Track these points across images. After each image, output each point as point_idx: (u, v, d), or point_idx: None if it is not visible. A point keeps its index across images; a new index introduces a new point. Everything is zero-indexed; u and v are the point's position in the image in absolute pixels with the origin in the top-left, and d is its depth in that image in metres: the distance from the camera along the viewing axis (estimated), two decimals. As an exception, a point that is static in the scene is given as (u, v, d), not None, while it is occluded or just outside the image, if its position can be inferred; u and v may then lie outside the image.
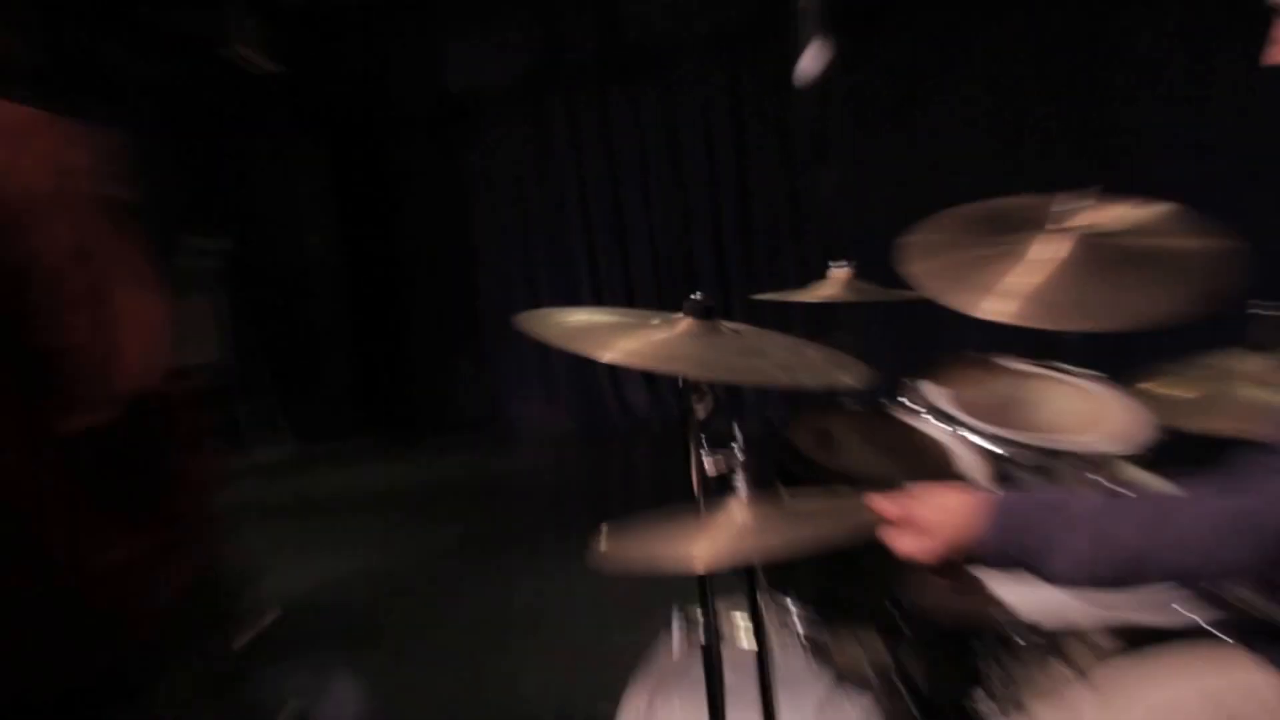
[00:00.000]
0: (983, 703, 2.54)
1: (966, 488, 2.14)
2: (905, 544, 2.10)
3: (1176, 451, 2.82)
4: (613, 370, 11.06)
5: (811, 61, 3.47)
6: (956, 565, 2.09)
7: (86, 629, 2.36)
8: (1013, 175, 8.62)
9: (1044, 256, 2.76)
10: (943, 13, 9.50)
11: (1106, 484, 2.81)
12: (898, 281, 2.93)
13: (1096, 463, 2.82)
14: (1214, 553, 1.84)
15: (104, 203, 2.31)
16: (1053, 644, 2.51)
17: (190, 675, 2.58)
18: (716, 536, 2.33)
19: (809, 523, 2.39)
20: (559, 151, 12.08)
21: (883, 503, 2.18)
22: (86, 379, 2.24)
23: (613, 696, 3.05)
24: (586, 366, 10.98)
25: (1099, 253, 2.77)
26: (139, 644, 2.40)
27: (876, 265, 3.32)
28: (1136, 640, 2.43)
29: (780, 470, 2.84)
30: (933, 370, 3.10)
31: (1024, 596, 2.50)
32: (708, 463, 2.55)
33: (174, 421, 2.37)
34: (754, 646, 2.60)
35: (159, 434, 2.36)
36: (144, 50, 10.95)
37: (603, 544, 2.72)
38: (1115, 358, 3.39)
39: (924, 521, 2.10)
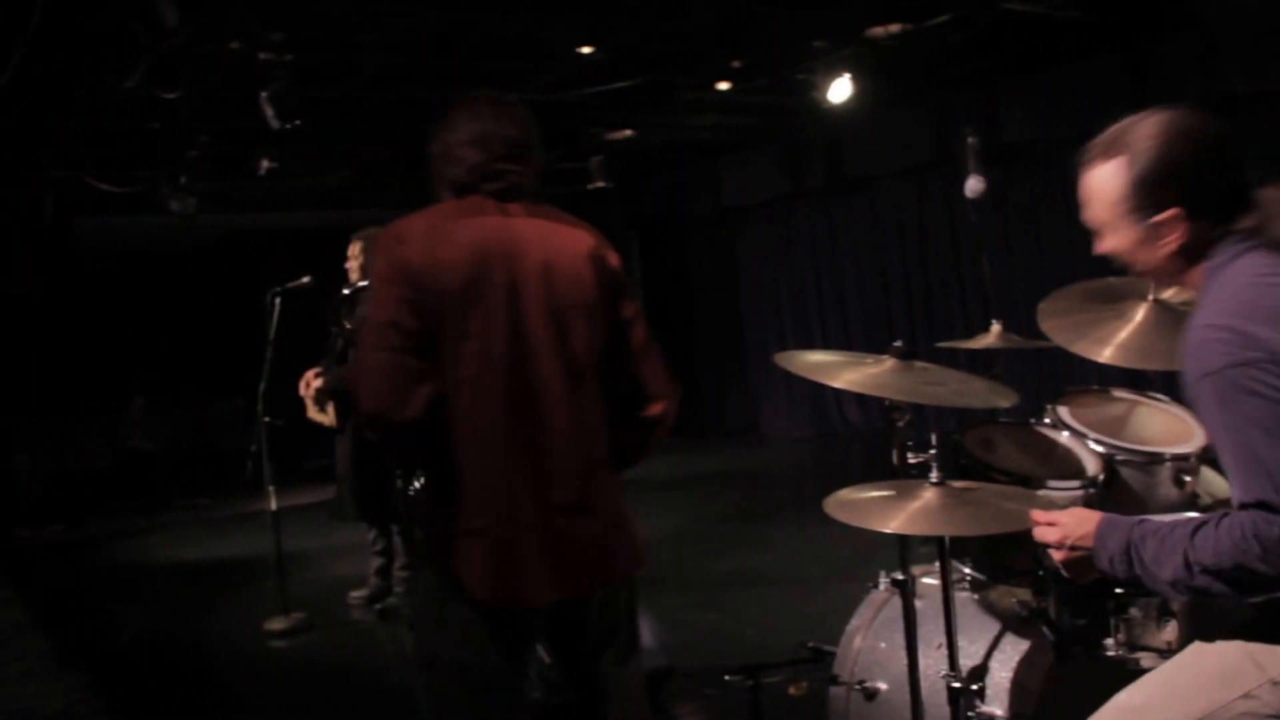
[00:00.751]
0: (1109, 645, 2.51)
1: (1096, 511, 2.01)
2: (1049, 537, 2.00)
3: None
4: (837, 393, 11.00)
5: (974, 184, 3.47)
6: (1084, 563, 1.97)
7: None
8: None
9: (1136, 318, 2.72)
10: (1057, 159, 9.26)
11: (1191, 483, 2.75)
12: (1036, 334, 2.92)
13: (1181, 464, 2.78)
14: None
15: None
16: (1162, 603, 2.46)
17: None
18: (912, 513, 2.34)
19: (980, 506, 2.39)
20: (799, 244, 12.02)
21: (1040, 515, 2.05)
22: (650, 384, 2.46)
23: (836, 631, 3.04)
24: (818, 390, 10.91)
25: (1173, 316, 2.71)
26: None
27: (1022, 322, 3.31)
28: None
29: (956, 465, 2.75)
30: (1062, 396, 3.07)
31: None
32: (905, 459, 2.60)
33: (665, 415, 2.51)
34: (939, 598, 2.59)
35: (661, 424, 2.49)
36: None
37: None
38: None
39: (1064, 526, 1.98)
